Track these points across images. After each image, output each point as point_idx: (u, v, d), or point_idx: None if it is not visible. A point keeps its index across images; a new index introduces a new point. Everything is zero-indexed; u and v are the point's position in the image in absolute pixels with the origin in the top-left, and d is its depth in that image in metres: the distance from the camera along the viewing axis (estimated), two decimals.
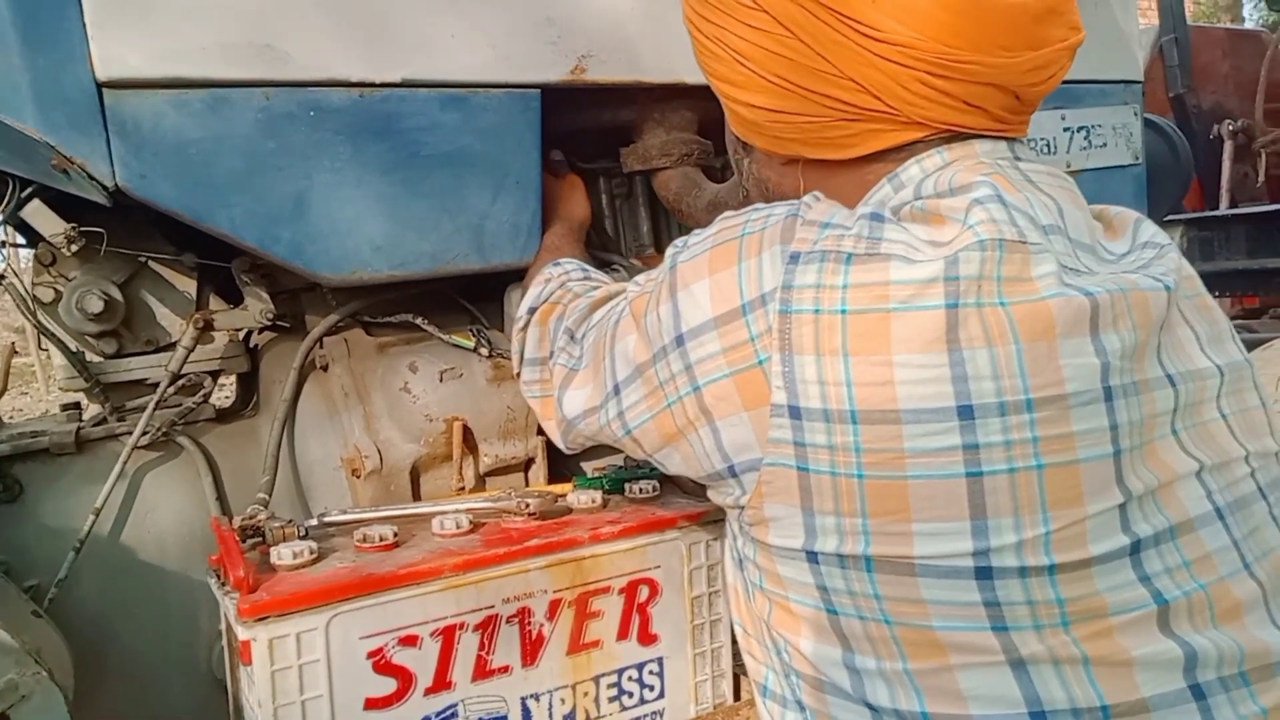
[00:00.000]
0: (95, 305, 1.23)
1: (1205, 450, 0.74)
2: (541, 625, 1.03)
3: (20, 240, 1.39)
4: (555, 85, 1.22)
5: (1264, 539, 0.74)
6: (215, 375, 1.35)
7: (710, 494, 0.83)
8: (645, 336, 0.82)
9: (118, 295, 1.26)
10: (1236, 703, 0.68)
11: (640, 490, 1.19)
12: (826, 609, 0.73)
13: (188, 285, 1.34)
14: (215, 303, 1.37)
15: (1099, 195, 1.19)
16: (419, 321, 1.31)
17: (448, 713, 0.99)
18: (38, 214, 1.19)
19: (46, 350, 1.35)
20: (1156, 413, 0.72)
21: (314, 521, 1.10)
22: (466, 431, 1.29)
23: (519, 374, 1.10)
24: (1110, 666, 0.67)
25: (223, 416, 1.38)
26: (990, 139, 0.79)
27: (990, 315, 0.67)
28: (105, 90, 0.98)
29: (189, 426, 1.32)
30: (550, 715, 1.04)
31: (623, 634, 1.08)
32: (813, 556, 0.71)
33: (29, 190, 1.10)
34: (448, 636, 0.98)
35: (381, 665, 0.95)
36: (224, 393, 1.55)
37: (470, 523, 1.08)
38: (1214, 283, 3.63)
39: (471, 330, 1.34)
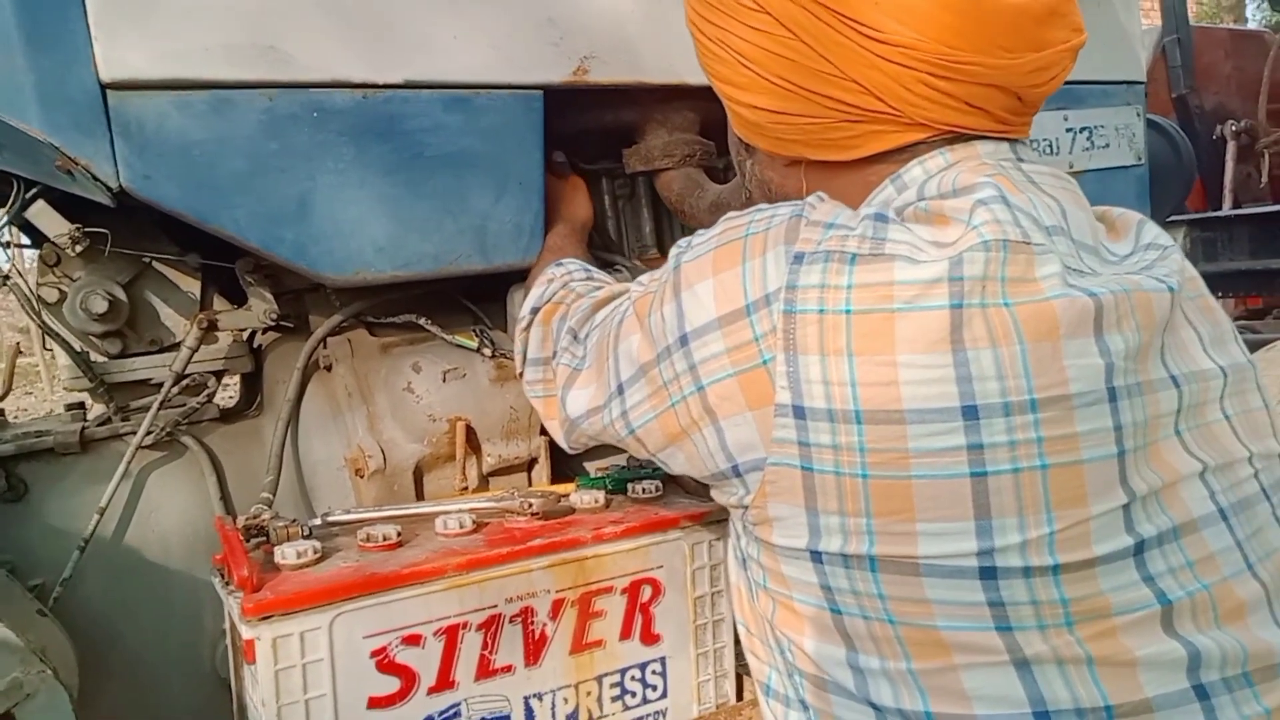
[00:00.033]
0: (100, 305, 1.23)
1: (1209, 451, 0.74)
2: (544, 625, 1.03)
3: (25, 241, 1.39)
4: (558, 86, 1.22)
5: (1267, 540, 0.74)
6: (219, 375, 1.36)
7: (714, 494, 0.83)
8: (649, 336, 0.82)
9: (122, 295, 1.27)
10: (1240, 703, 0.68)
11: (643, 490, 1.19)
12: (830, 608, 0.73)
13: (192, 285, 1.34)
14: (219, 303, 1.38)
15: (1102, 196, 1.19)
16: (422, 322, 1.32)
17: (450, 712, 0.99)
18: (42, 215, 1.19)
19: (51, 350, 1.35)
20: (1160, 413, 0.72)
21: (318, 521, 1.11)
22: (470, 431, 1.29)
23: (522, 374, 1.10)
24: (1114, 666, 0.67)
25: (227, 416, 1.38)
26: (993, 140, 0.79)
27: (995, 316, 0.67)
28: (109, 91, 0.98)
29: (193, 426, 1.32)
30: (553, 715, 1.05)
31: (625, 634, 1.08)
32: (817, 556, 0.71)
33: (33, 191, 1.11)
34: (451, 636, 0.98)
35: (385, 664, 0.95)
36: (228, 393, 1.55)
37: (473, 522, 1.08)
38: (1217, 283, 3.63)
39: (474, 330, 1.34)
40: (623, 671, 1.08)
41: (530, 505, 1.11)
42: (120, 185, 1.00)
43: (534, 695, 1.03)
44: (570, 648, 1.05)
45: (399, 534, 1.04)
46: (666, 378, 0.80)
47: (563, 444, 1.04)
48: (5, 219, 1.13)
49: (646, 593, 1.09)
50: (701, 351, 0.75)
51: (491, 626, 1.00)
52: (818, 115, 0.80)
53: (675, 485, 1.23)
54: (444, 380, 1.30)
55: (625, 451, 0.99)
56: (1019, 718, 0.67)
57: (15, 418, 1.42)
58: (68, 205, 1.19)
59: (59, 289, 1.25)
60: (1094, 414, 0.67)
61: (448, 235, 1.18)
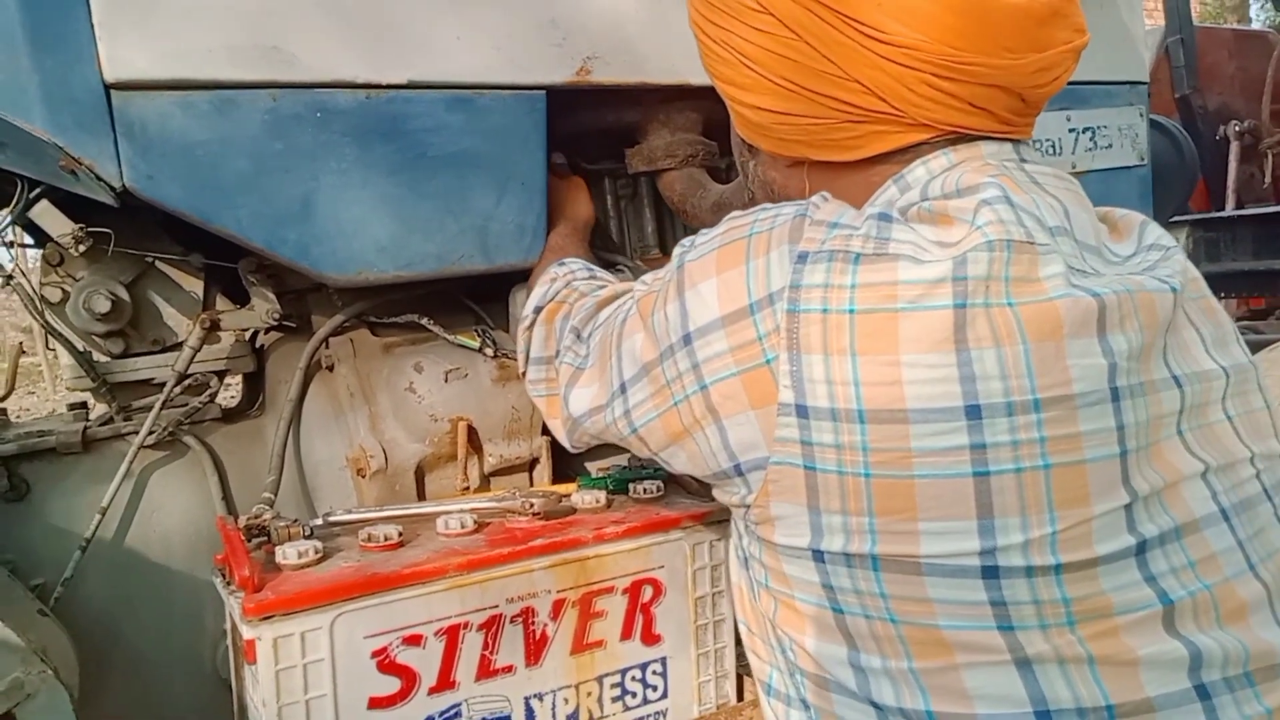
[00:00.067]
0: (102, 305, 1.23)
1: (1211, 451, 0.74)
2: (545, 625, 1.03)
3: (28, 240, 1.39)
4: (560, 87, 1.22)
5: (1269, 540, 0.74)
6: (221, 375, 1.36)
7: (716, 493, 0.83)
8: (652, 335, 0.82)
9: (125, 295, 1.27)
10: (1241, 703, 0.68)
11: (644, 490, 1.19)
12: (832, 607, 0.73)
13: (194, 285, 1.34)
14: (222, 303, 1.38)
15: (1105, 196, 1.18)
16: (424, 322, 1.32)
17: (451, 712, 0.99)
18: (46, 214, 1.19)
19: (54, 350, 1.35)
20: (1163, 414, 0.72)
21: (319, 521, 1.11)
22: (471, 431, 1.29)
23: (524, 373, 1.11)
24: (1115, 666, 0.67)
25: (229, 416, 1.38)
26: (996, 141, 0.79)
27: (998, 315, 0.67)
28: (113, 91, 0.98)
29: (195, 426, 1.32)
30: (554, 715, 1.05)
31: (626, 634, 1.08)
32: (819, 555, 0.71)
33: (37, 191, 1.11)
34: (452, 636, 0.98)
35: (385, 665, 0.95)
36: (230, 393, 1.55)
37: (475, 522, 1.08)
38: (1220, 284, 3.62)
39: (477, 330, 1.34)
40: (623, 672, 1.08)
41: (531, 505, 1.11)
42: (124, 185, 1.00)
43: (535, 695, 1.03)
44: (571, 648, 1.05)
45: (400, 534, 1.05)
46: (669, 376, 0.80)
47: (565, 443, 1.04)
48: (9, 219, 1.13)
49: (647, 593, 1.09)
50: (704, 350, 0.75)
51: (492, 627, 1.00)
52: (821, 116, 0.80)
53: (676, 485, 1.23)
54: (446, 380, 1.30)
55: (627, 451, 0.99)
56: (1020, 717, 0.67)
57: (18, 417, 1.42)
58: (71, 205, 1.19)
59: (62, 289, 1.26)
60: (1097, 414, 0.67)
61: (450, 235, 1.18)
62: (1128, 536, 0.68)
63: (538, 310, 1.10)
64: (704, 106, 1.39)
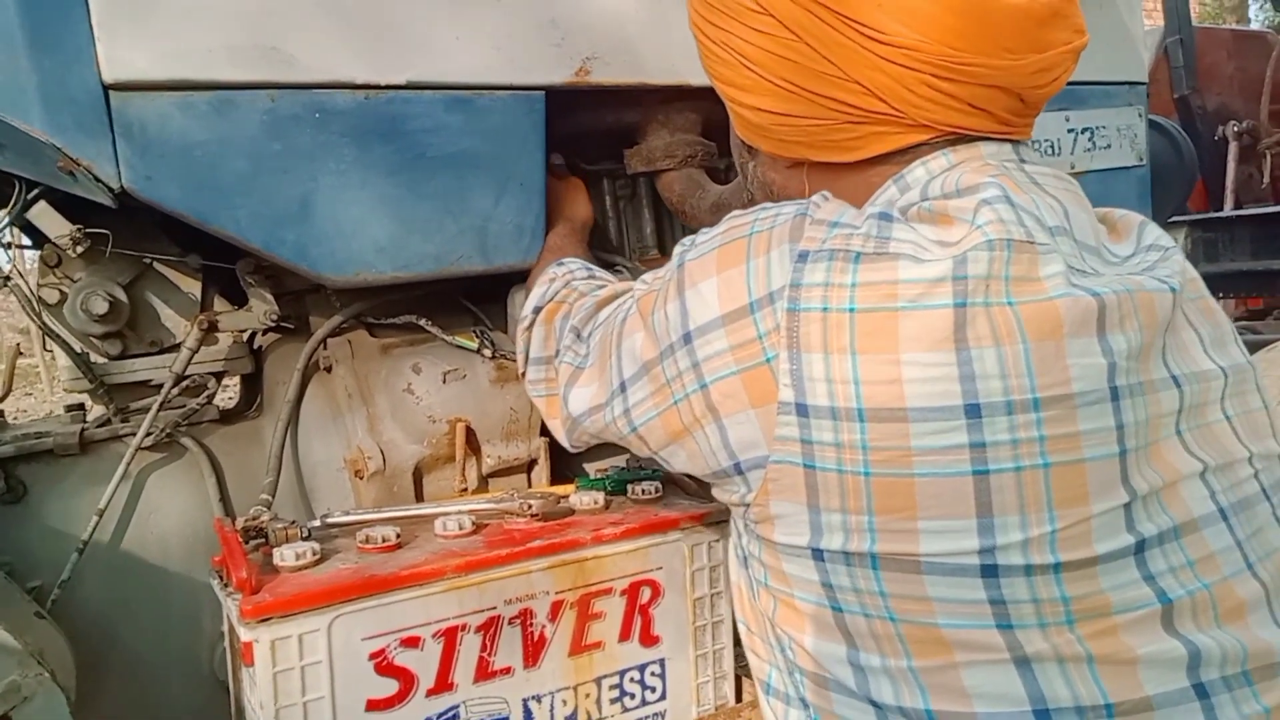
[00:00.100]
0: (100, 306, 1.23)
1: (1209, 451, 0.74)
2: (543, 626, 1.03)
3: (26, 241, 1.39)
4: (559, 87, 1.22)
5: (1267, 540, 0.74)
6: (219, 376, 1.36)
7: (715, 492, 0.83)
8: (652, 334, 0.82)
9: (122, 296, 1.27)
10: (1239, 702, 0.68)
11: (643, 491, 1.19)
12: (831, 606, 0.73)
13: (192, 286, 1.34)
14: (220, 304, 1.38)
15: (1103, 197, 1.19)
16: (422, 323, 1.32)
17: (449, 714, 0.99)
18: (43, 215, 1.19)
19: (51, 351, 1.35)
20: (1162, 413, 0.72)
21: (317, 523, 1.11)
22: (469, 433, 1.29)
23: (524, 373, 1.10)
24: (1114, 665, 0.67)
25: (226, 418, 1.38)
26: (995, 141, 0.79)
27: (998, 315, 0.67)
28: (111, 92, 0.98)
29: (193, 428, 1.32)
30: (552, 716, 1.05)
31: (625, 635, 1.08)
32: (818, 554, 0.71)
33: (35, 192, 1.11)
34: (450, 638, 0.98)
35: (383, 666, 0.95)
36: (228, 394, 1.55)
37: (473, 524, 1.08)
38: (1218, 284, 3.63)
39: (475, 331, 1.34)
40: (622, 673, 1.08)
41: (530, 506, 1.11)
42: (122, 186, 1.00)
43: (533, 697, 1.03)
44: (569, 649, 1.05)
45: (398, 535, 1.04)
46: (669, 375, 0.79)
47: (564, 442, 1.04)
48: (7, 220, 1.13)
49: (646, 594, 1.09)
50: (705, 349, 0.75)
51: (490, 628, 1.00)
52: (820, 117, 0.80)
53: (675, 486, 1.23)
54: (444, 381, 1.30)
55: (625, 452, 0.99)
56: (1019, 715, 0.67)
57: (15, 419, 1.42)
58: (69, 206, 1.19)
59: (59, 290, 1.25)
60: (1096, 413, 0.68)
61: (449, 236, 1.18)
62: (1127, 536, 0.68)
63: (537, 310, 1.10)
64: (703, 107, 1.39)
